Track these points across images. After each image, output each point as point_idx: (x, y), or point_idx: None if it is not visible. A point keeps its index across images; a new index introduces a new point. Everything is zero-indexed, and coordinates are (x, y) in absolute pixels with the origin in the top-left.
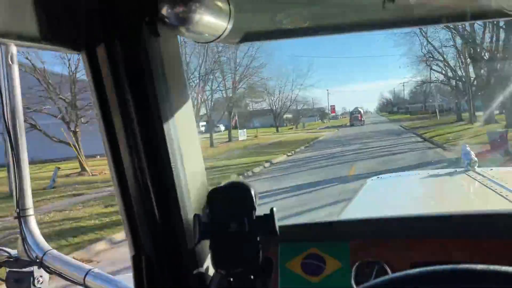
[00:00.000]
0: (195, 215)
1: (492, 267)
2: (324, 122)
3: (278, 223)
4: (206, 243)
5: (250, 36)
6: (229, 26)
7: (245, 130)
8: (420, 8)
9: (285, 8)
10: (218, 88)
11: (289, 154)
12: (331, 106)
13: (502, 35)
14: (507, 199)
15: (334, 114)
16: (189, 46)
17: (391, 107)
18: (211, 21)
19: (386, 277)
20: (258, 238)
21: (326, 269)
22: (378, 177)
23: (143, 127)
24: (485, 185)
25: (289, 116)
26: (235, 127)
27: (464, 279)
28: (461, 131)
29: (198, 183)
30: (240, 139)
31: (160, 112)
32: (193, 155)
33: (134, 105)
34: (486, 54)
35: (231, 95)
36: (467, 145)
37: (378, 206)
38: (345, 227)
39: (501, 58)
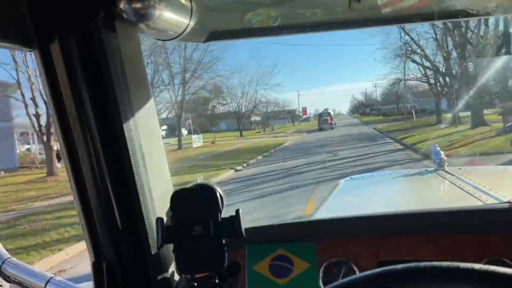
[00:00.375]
0: (158, 219)
1: (457, 264)
2: (294, 125)
3: (244, 225)
4: (170, 247)
5: (216, 35)
6: (191, 24)
7: (200, 135)
8: (387, 8)
9: (253, 7)
10: (166, 88)
11: (238, 168)
12: (302, 108)
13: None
14: (474, 196)
15: (306, 116)
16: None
17: (363, 108)
18: (171, 18)
19: (352, 277)
20: (223, 241)
21: (294, 270)
22: (351, 178)
23: (102, 128)
24: (453, 184)
25: (257, 118)
26: (191, 132)
27: (429, 277)
28: (449, 135)
29: (162, 185)
30: (194, 146)
31: (120, 112)
32: (156, 156)
33: (92, 105)
34: (468, 49)
35: (180, 95)
36: (436, 145)
37: (349, 206)
38: (313, 227)
39: (487, 55)
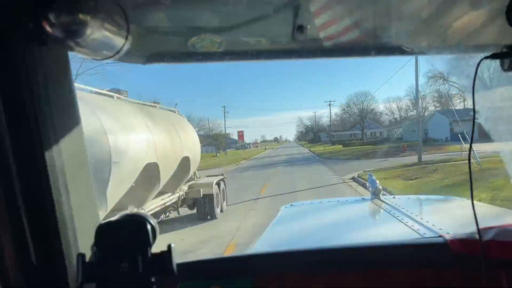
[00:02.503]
0: (78, 255)
1: None
2: (217, 156)
3: (177, 260)
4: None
5: (157, 57)
6: (127, 44)
7: None
8: (328, 41)
9: (196, 32)
10: None
11: None
12: (238, 132)
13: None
14: (407, 225)
15: (242, 141)
16: None
17: (312, 135)
18: (105, 37)
19: None
20: (153, 279)
21: None
22: (291, 205)
23: (20, 152)
24: (388, 212)
25: None
26: None
27: None
28: None
29: (87, 216)
30: None
31: (42, 137)
32: (82, 185)
33: (10, 128)
34: None
35: None
36: (372, 174)
37: (288, 237)
38: (249, 262)
39: None
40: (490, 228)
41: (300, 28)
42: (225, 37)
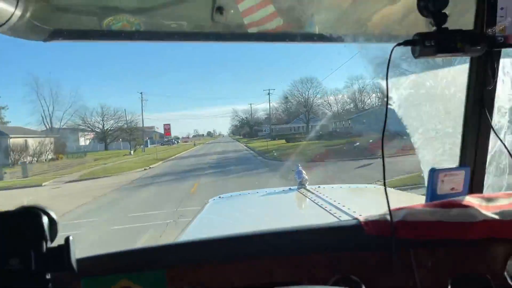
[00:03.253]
0: None
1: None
2: (131, 154)
3: (79, 255)
4: None
5: (61, 34)
6: (17, 13)
7: None
8: (253, 27)
9: (111, 12)
10: None
11: None
12: (164, 125)
13: None
14: (329, 212)
15: (169, 136)
16: None
17: (248, 129)
18: None
19: None
20: (48, 276)
21: None
22: (219, 197)
23: None
24: (313, 201)
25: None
26: None
27: None
28: None
29: None
30: None
31: None
32: None
33: None
34: None
35: None
36: (299, 165)
37: (215, 228)
38: (161, 253)
39: None
40: (400, 209)
41: (220, 10)
42: (144, 18)
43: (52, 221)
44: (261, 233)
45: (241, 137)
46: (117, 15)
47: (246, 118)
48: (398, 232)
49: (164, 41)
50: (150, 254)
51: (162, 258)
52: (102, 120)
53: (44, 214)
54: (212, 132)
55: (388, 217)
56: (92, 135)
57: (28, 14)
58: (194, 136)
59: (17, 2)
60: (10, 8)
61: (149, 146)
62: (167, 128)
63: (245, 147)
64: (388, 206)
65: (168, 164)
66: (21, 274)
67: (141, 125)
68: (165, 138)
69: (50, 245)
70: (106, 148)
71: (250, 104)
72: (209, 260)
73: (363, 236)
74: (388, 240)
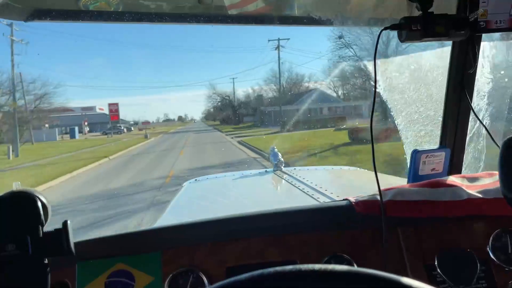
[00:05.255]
0: None
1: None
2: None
3: (75, 239)
4: None
5: (42, 14)
6: None
7: None
8: (234, 8)
9: None
10: None
11: None
12: (110, 105)
13: None
14: (307, 194)
15: (116, 120)
16: None
17: (231, 112)
18: None
19: None
20: (46, 260)
21: (136, 285)
22: (195, 180)
23: None
24: (289, 183)
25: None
26: None
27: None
28: None
29: None
30: None
31: None
32: None
33: None
34: None
35: None
36: (274, 147)
37: (195, 210)
38: (155, 236)
39: None
40: (389, 189)
41: None
42: None
43: (44, 205)
44: (254, 215)
45: (219, 123)
46: None
47: (227, 97)
48: (387, 211)
49: (143, 22)
50: (145, 237)
51: (157, 240)
52: None
53: (37, 198)
54: (183, 116)
55: (378, 197)
56: None
57: None
58: (164, 121)
59: None
60: None
61: (76, 136)
62: (115, 110)
63: (237, 143)
64: (378, 186)
65: None
66: (18, 259)
67: (47, 104)
68: (110, 123)
69: (45, 229)
70: None
71: (233, 78)
72: (203, 242)
73: (354, 215)
74: (378, 218)
